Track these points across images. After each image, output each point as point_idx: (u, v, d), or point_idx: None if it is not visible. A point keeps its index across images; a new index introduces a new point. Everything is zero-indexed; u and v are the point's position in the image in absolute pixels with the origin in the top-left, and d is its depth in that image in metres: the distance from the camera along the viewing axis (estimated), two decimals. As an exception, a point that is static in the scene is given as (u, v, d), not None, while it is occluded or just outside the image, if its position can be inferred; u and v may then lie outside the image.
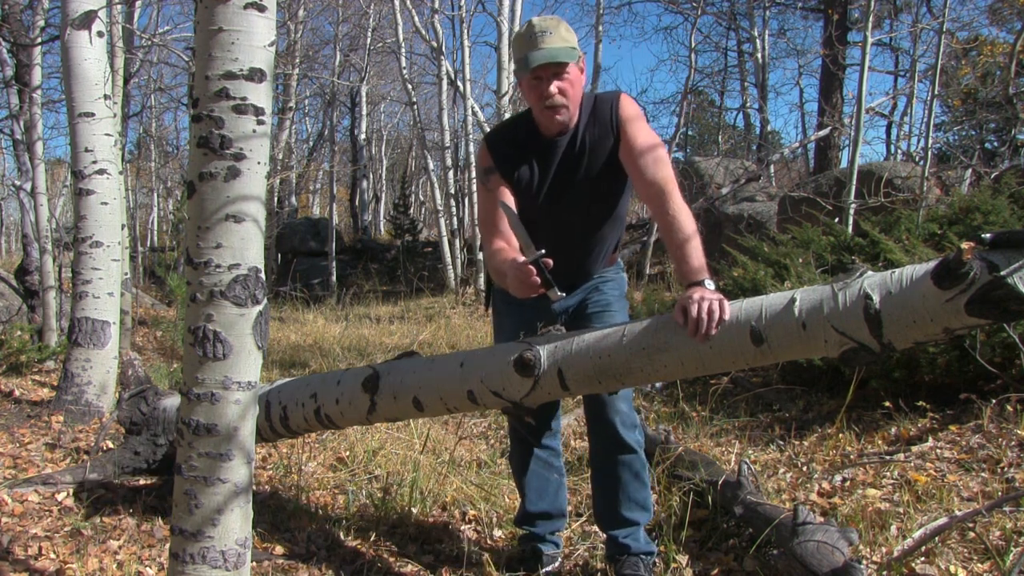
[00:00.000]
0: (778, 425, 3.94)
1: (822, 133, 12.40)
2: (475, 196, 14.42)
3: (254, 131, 1.62)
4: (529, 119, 2.28)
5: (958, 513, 2.43)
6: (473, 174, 14.33)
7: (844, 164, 11.81)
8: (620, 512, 2.34)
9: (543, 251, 1.95)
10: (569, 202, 2.25)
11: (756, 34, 17.36)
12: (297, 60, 15.99)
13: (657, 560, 2.40)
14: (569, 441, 3.99)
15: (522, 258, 1.97)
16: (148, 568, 2.36)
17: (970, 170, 8.29)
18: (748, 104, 19.98)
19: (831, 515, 2.60)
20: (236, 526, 1.69)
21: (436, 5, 12.93)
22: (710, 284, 1.88)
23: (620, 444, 2.29)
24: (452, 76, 13.74)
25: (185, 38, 10.89)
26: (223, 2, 1.58)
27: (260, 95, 1.62)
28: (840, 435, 3.56)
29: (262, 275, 1.68)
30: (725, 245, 6.77)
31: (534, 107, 2.19)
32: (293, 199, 20.52)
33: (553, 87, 2.11)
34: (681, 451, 3.16)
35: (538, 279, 1.94)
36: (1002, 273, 1.54)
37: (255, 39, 1.61)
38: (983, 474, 2.87)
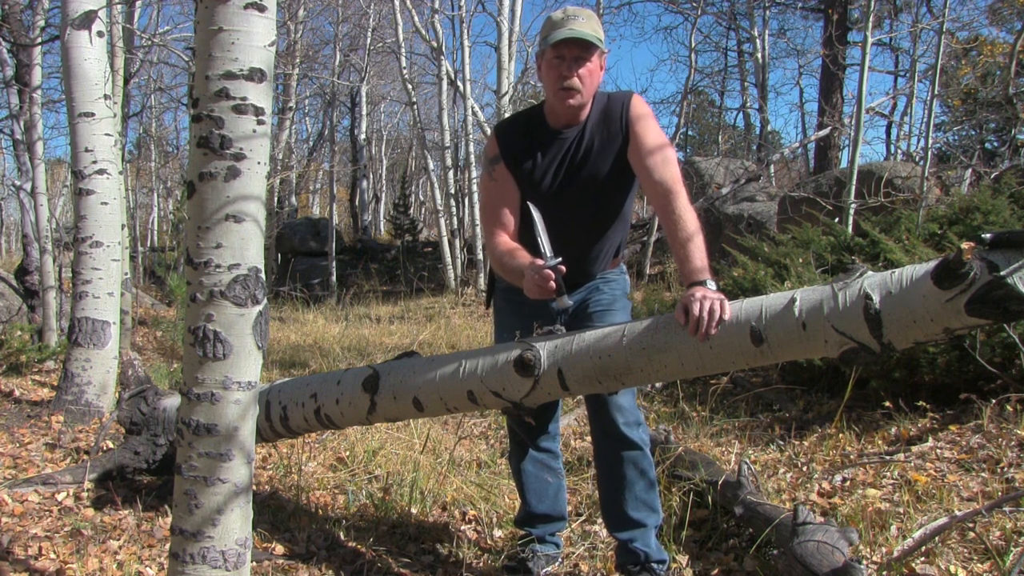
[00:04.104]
0: (778, 425, 3.94)
1: (822, 133, 12.40)
2: (475, 196, 14.53)
3: (254, 131, 1.62)
4: (538, 111, 2.29)
5: (958, 513, 2.43)
6: (473, 174, 14.36)
7: (844, 164, 11.81)
8: (627, 512, 2.29)
9: (560, 258, 2.00)
10: (573, 198, 2.25)
11: (756, 34, 17.36)
12: (297, 60, 15.99)
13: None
14: (569, 441, 4.00)
15: (539, 261, 2.02)
16: (148, 568, 2.36)
17: (970, 170, 8.29)
18: (748, 104, 20.01)
19: (831, 515, 2.60)
20: (236, 526, 1.69)
21: (436, 5, 12.93)
22: (712, 284, 1.89)
23: (624, 441, 2.26)
24: (452, 76, 13.74)
25: (185, 38, 10.90)
26: (223, 2, 1.58)
27: (260, 95, 1.62)
28: (840, 435, 3.56)
29: (262, 275, 1.68)
30: (725, 245, 6.78)
31: (549, 88, 2.18)
32: (293, 199, 20.52)
33: (572, 69, 2.12)
34: (681, 451, 3.16)
35: (554, 284, 1.98)
36: (1002, 273, 1.53)
37: (255, 39, 1.61)
38: (983, 474, 2.87)
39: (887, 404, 3.69)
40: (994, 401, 3.36)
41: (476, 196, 14.76)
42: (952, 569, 2.16)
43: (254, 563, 2.20)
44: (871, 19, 6.67)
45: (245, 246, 1.63)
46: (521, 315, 2.28)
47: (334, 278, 15.25)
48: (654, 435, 3.30)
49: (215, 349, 1.63)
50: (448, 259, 13.38)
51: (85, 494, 2.91)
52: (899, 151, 13.97)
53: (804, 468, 3.27)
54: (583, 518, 2.84)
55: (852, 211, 6.47)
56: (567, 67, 2.12)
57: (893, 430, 3.53)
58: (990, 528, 2.36)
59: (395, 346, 7.12)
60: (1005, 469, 2.87)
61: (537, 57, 2.24)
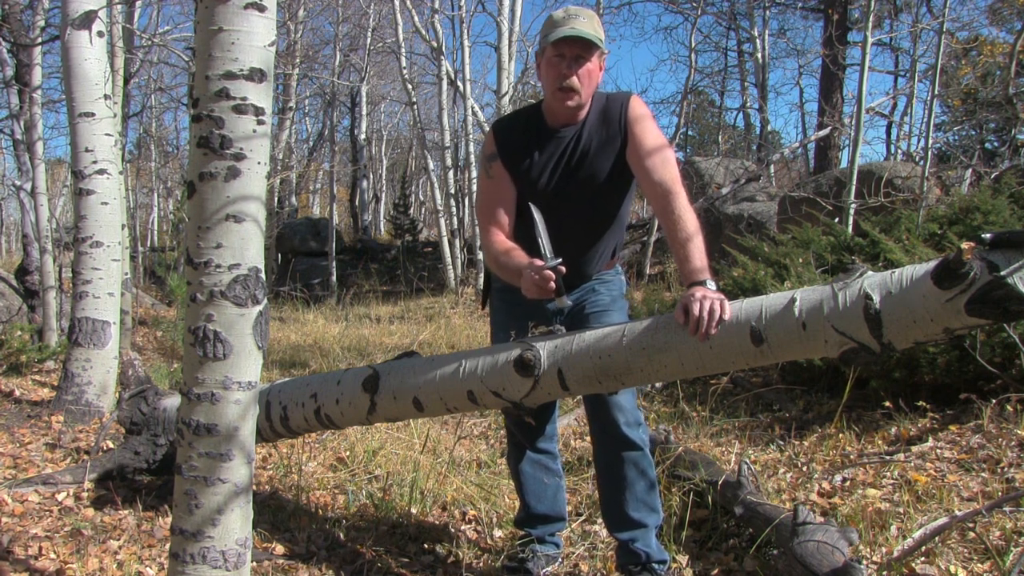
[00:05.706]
0: (778, 425, 3.94)
1: (822, 133, 12.40)
2: (475, 196, 14.53)
3: (254, 131, 1.62)
4: (537, 110, 2.29)
5: (958, 513, 2.43)
6: (473, 174, 14.36)
7: (844, 164, 11.81)
8: (627, 512, 2.29)
9: (561, 259, 1.99)
10: (570, 198, 2.25)
11: (756, 34, 17.36)
12: (297, 60, 15.98)
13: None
14: (569, 441, 4.00)
15: (539, 261, 2.01)
16: (148, 568, 2.36)
17: (970, 170, 8.29)
18: (748, 104, 20.00)
19: (831, 515, 2.60)
20: (236, 526, 1.69)
21: (436, 5, 12.93)
22: (711, 284, 1.89)
23: (624, 441, 2.26)
24: (452, 76, 13.74)
25: (185, 38, 10.89)
26: (223, 2, 1.58)
27: (260, 95, 1.62)
28: (840, 435, 3.56)
29: (262, 275, 1.68)
30: (725, 245, 6.78)
31: (548, 87, 2.18)
32: (293, 199, 20.52)
33: (572, 68, 2.12)
34: (681, 451, 3.16)
35: (554, 285, 1.99)
36: (1002, 273, 1.53)
37: (255, 39, 1.61)
38: (983, 474, 2.87)
39: (887, 404, 3.69)
40: (994, 401, 3.36)
41: (477, 183, 14.74)
42: (952, 569, 2.16)
43: (254, 563, 2.20)
44: (871, 19, 6.67)
45: (245, 246, 1.63)
46: (517, 315, 2.28)
47: (334, 278, 15.25)
48: (654, 435, 3.30)
49: (215, 349, 1.63)
50: (448, 259, 13.38)
51: (85, 494, 2.91)
52: (899, 151, 13.97)
53: (804, 468, 3.27)
54: (583, 518, 2.84)
55: (852, 211, 6.47)
56: (567, 66, 2.12)
57: (893, 430, 3.53)
58: (990, 528, 2.36)
59: (395, 346, 7.12)
60: (1005, 469, 2.87)
61: (537, 55, 2.24)
